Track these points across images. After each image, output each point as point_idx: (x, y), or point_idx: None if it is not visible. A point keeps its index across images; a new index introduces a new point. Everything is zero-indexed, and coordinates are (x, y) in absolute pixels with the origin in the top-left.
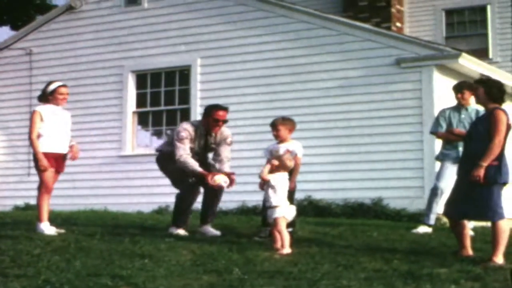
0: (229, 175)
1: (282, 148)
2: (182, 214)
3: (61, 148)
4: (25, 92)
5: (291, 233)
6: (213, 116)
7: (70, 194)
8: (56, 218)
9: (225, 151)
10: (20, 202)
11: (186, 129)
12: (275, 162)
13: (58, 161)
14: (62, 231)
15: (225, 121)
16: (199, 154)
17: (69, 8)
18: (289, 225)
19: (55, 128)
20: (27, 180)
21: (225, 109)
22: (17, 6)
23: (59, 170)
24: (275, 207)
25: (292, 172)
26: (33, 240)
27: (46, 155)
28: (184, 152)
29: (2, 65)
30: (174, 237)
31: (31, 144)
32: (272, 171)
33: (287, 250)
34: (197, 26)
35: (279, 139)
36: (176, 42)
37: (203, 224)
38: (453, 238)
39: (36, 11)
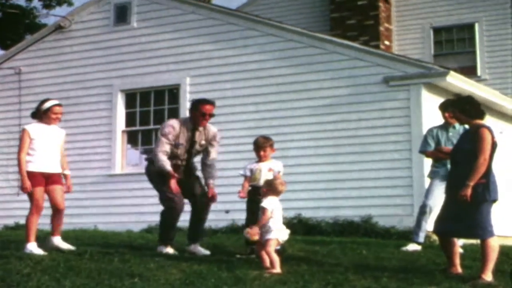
0: (212, 193)
1: (264, 166)
2: (167, 231)
3: (51, 167)
4: (14, 112)
5: (279, 252)
6: (200, 110)
7: None
8: (45, 238)
9: (214, 153)
10: (10, 222)
11: (170, 125)
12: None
13: (52, 178)
14: (72, 248)
15: (211, 115)
16: (188, 153)
17: (58, 28)
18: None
19: (45, 147)
20: (16, 200)
21: (211, 103)
22: (6, 25)
23: (55, 184)
24: (269, 228)
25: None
26: (23, 260)
27: (35, 174)
28: (162, 149)
29: None
30: (164, 256)
31: (18, 163)
32: (264, 195)
33: (277, 270)
34: (186, 45)
35: (265, 160)
36: (165, 61)
37: (192, 242)
38: (443, 256)
39: (25, 31)
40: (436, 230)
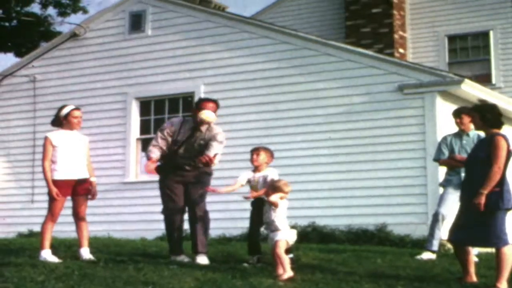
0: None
1: (261, 177)
2: (172, 240)
3: (76, 174)
4: (28, 119)
5: (292, 259)
6: (202, 108)
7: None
8: (59, 245)
9: (214, 146)
10: (24, 229)
11: (169, 122)
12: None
13: (78, 186)
14: (93, 258)
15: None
16: (187, 151)
17: (73, 35)
18: (288, 251)
19: (68, 154)
20: (30, 207)
21: (214, 101)
22: (21, 33)
23: (80, 194)
24: (277, 230)
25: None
26: (37, 267)
27: (61, 182)
28: (154, 142)
29: (6, 92)
30: (178, 264)
31: (43, 171)
32: (270, 196)
33: (288, 273)
34: (201, 53)
35: (255, 164)
36: (179, 69)
37: (194, 254)
38: (457, 264)
39: (40, 38)
40: (450, 239)
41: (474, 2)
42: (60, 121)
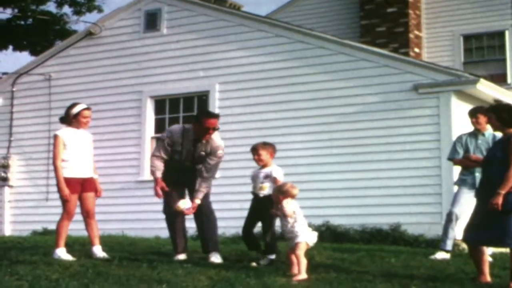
0: (193, 206)
1: (262, 173)
2: (176, 239)
3: (85, 172)
4: (44, 118)
5: (272, 261)
6: (204, 124)
7: None
8: (74, 244)
9: (211, 165)
10: (38, 227)
11: (170, 131)
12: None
13: (86, 184)
14: (107, 256)
15: (215, 129)
16: (188, 160)
17: (89, 34)
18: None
19: (78, 152)
20: (45, 205)
21: (216, 116)
22: (36, 31)
23: (88, 191)
24: (297, 232)
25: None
26: (52, 265)
27: (71, 180)
28: (156, 153)
29: (21, 91)
30: (192, 262)
31: (55, 170)
32: (280, 202)
33: (303, 275)
34: (216, 52)
35: (261, 164)
36: (194, 67)
37: (206, 253)
38: (471, 264)
39: (55, 37)
40: (465, 239)
41: (490, 1)
42: (70, 119)
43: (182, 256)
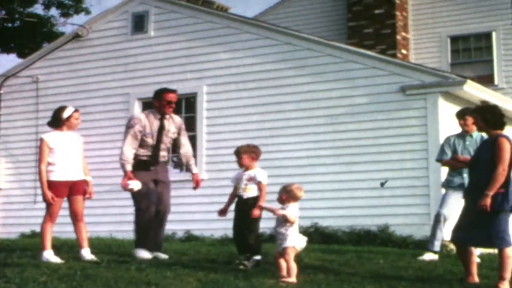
0: (196, 179)
1: (246, 175)
2: (147, 236)
3: (73, 175)
4: (31, 120)
5: (258, 262)
6: (164, 98)
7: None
8: (62, 246)
9: (187, 144)
10: (27, 230)
11: (135, 118)
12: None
13: (74, 187)
14: (95, 259)
15: (175, 102)
16: (157, 141)
17: (76, 36)
18: (257, 252)
19: (65, 155)
20: (33, 208)
21: (175, 91)
22: (24, 34)
23: (77, 194)
24: (286, 236)
25: (258, 199)
26: (40, 268)
27: (58, 183)
28: (127, 143)
29: (9, 93)
30: (180, 264)
31: (39, 173)
32: (282, 203)
33: (292, 279)
34: (203, 54)
35: (243, 167)
36: (182, 70)
37: (155, 251)
38: (459, 265)
39: (43, 39)
40: (453, 239)
41: (477, 3)
42: (61, 122)
43: (147, 254)
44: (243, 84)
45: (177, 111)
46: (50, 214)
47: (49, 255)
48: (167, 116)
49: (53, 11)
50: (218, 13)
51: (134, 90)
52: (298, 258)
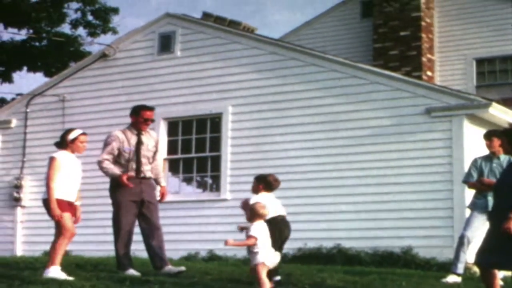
0: (163, 191)
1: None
2: (127, 254)
3: (72, 196)
4: (57, 139)
5: (279, 281)
6: (142, 115)
7: (100, 240)
8: (85, 264)
9: (159, 157)
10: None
11: (112, 135)
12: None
13: (72, 208)
14: (70, 278)
15: (152, 120)
16: (136, 155)
17: (103, 56)
18: (275, 273)
19: (70, 176)
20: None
21: (152, 109)
22: (51, 53)
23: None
24: (256, 253)
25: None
26: (63, 285)
27: (61, 201)
28: (104, 156)
29: (35, 112)
30: (203, 284)
31: (48, 191)
32: (250, 219)
33: None
34: (229, 74)
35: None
36: (208, 90)
37: (159, 269)
38: None
39: (69, 58)
40: (477, 262)
41: (502, 25)
42: (66, 143)
43: (132, 271)
44: (268, 105)
45: (202, 131)
46: (66, 229)
47: (56, 271)
48: (143, 132)
49: (80, 31)
50: (244, 34)
51: (160, 110)
52: (321, 279)
